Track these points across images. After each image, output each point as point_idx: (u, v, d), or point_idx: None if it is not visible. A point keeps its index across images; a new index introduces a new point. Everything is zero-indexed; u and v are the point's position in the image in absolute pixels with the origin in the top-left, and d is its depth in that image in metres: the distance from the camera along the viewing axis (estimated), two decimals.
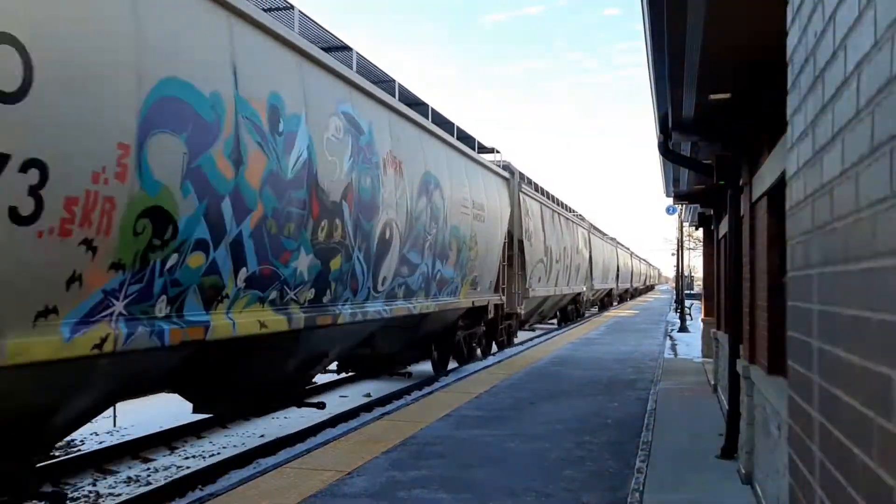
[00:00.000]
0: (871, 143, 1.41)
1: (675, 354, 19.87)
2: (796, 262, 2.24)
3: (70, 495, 7.84)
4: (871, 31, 1.41)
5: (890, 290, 1.30)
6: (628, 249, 64.38)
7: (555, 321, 33.44)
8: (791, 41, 2.31)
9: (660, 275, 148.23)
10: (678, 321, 30.31)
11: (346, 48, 11.00)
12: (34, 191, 4.76)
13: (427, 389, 13.50)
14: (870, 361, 1.41)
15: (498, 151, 19.49)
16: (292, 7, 9.49)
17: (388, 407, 11.96)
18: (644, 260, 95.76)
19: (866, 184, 1.44)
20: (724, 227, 10.77)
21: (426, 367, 16.46)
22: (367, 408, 12.62)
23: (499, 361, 16.68)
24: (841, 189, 1.65)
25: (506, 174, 19.12)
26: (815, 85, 1.92)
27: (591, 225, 38.79)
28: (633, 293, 70.83)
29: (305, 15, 9.77)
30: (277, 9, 9.38)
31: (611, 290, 48.54)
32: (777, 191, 5.79)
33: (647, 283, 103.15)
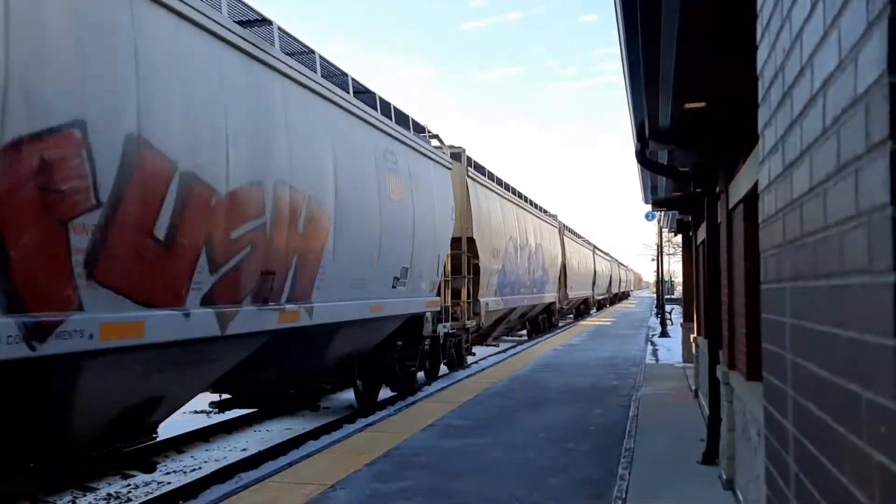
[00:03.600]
0: (837, 161, 1.42)
1: (657, 359, 19.96)
2: (769, 274, 2.26)
3: None
4: (835, 51, 1.43)
5: (858, 307, 1.31)
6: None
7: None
8: (761, 55, 2.34)
9: (640, 280, 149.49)
10: (659, 326, 30.45)
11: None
12: None
13: (410, 399, 13.47)
14: (840, 378, 1.43)
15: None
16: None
17: (372, 418, 11.91)
18: (626, 266, 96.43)
19: (834, 202, 1.46)
20: (702, 234, 10.86)
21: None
22: (350, 419, 12.57)
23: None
24: (810, 205, 1.67)
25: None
26: (784, 101, 1.94)
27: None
28: (621, 297, 75.67)
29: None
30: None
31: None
32: (753, 198, 5.84)
33: (630, 289, 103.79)
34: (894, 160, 1.11)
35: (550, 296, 30.63)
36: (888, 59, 1.12)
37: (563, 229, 36.36)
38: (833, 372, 1.48)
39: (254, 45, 8.36)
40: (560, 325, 36.84)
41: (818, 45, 1.56)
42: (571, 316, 44.30)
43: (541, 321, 31.50)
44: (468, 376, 15.62)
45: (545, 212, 31.91)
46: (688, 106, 6.13)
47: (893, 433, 1.13)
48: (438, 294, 15.53)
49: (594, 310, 52.73)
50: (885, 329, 1.14)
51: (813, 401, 1.67)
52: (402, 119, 14.04)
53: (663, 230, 29.24)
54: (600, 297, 55.90)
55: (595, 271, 49.23)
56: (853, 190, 1.31)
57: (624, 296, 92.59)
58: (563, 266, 34.85)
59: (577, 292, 40.31)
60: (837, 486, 1.44)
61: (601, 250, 57.72)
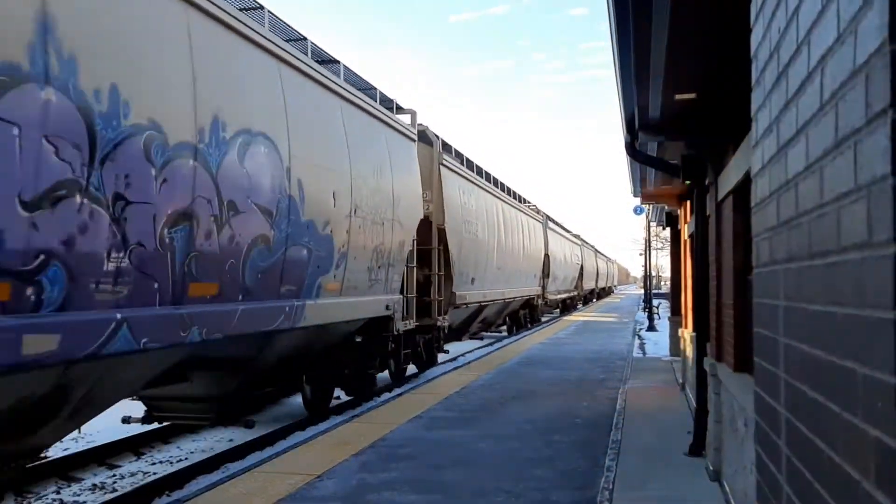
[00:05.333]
0: (835, 136, 1.41)
1: (644, 353, 20.03)
2: (762, 258, 2.24)
3: None
4: (833, 24, 1.41)
5: (856, 283, 1.29)
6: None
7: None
8: (755, 38, 2.32)
9: (628, 274, 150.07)
10: (646, 320, 30.57)
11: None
12: None
13: (397, 391, 13.45)
14: (835, 356, 1.41)
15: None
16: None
17: (359, 409, 11.88)
18: (608, 258, 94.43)
19: (831, 178, 1.44)
20: (690, 227, 10.88)
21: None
22: (337, 410, 12.54)
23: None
24: (805, 184, 1.65)
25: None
26: (780, 81, 1.93)
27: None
28: (600, 294, 72.04)
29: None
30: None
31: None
32: (742, 189, 5.85)
33: (614, 283, 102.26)
34: (895, 129, 1.09)
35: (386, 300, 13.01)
36: (889, 27, 1.10)
37: (442, 156, 16.84)
38: (828, 351, 1.47)
39: None
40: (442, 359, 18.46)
41: (816, 21, 1.54)
42: (505, 327, 30.11)
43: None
44: None
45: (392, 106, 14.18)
46: (678, 97, 6.12)
47: (889, 408, 1.11)
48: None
49: (555, 312, 41.26)
50: (885, 302, 1.12)
51: (806, 382, 1.66)
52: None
53: (651, 224, 29.33)
54: (563, 296, 40.50)
55: (547, 255, 32.71)
56: (852, 164, 1.29)
57: (605, 292, 77.35)
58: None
59: (499, 288, 22.68)
60: (831, 466, 1.43)
61: (561, 226, 41.26)
